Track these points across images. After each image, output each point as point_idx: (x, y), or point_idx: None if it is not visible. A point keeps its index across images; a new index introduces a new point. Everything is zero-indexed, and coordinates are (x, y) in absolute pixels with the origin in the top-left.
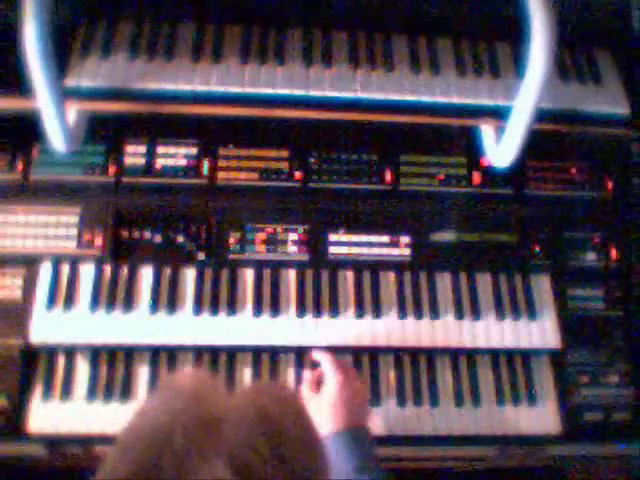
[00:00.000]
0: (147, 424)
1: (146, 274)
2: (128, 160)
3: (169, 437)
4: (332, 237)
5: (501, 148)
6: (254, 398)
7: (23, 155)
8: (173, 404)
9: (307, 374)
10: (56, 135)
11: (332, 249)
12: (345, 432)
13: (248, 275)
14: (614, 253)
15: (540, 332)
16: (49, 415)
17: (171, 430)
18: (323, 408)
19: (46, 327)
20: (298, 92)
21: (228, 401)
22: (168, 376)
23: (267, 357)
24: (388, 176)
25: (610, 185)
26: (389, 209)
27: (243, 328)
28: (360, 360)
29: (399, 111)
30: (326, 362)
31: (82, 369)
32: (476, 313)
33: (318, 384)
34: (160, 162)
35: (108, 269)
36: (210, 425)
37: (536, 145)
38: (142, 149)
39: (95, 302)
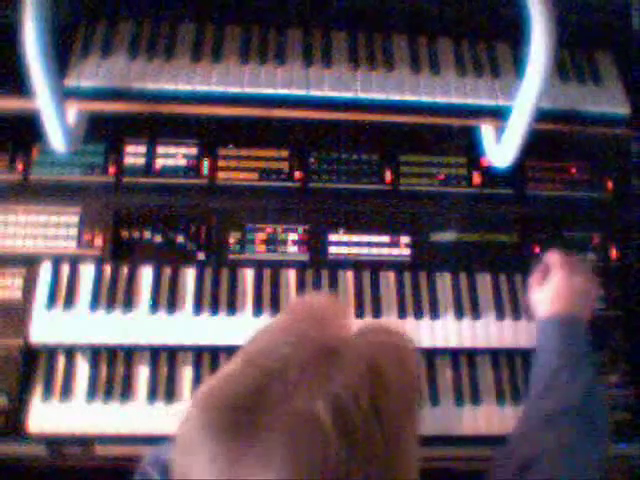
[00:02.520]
0: (271, 345)
1: (146, 274)
2: (128, 160)
3: (285, 366)
4: (332, 237)
5: (501, 148)
6: (373, 350)
7: (23, 155)
8: (300, 326)
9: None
10: (56, 135)
11: (332, 249)
12: (555, 320)
13: (248, 275)
14: (614, 253)
15: None
16: (49, 415)
17: (289, 360)
18: (542, 299)
19: (46, 327)
20: (298, 92)
21: (349, 334)
22: (301, 297)
23: None
24: (388, 176)
25: (610, 185)
26: (389, 209)
27: (243, 328)
28: None
29: (399, 111)
30: (554, 260)
31: (82, 369)
32: (476, 313)
33: (543, 277)
34: (160, 162)
35: (108, 269)
36: (326, 357)
37: (536, 145)
38: (142, 149)
39: (95, 302)
